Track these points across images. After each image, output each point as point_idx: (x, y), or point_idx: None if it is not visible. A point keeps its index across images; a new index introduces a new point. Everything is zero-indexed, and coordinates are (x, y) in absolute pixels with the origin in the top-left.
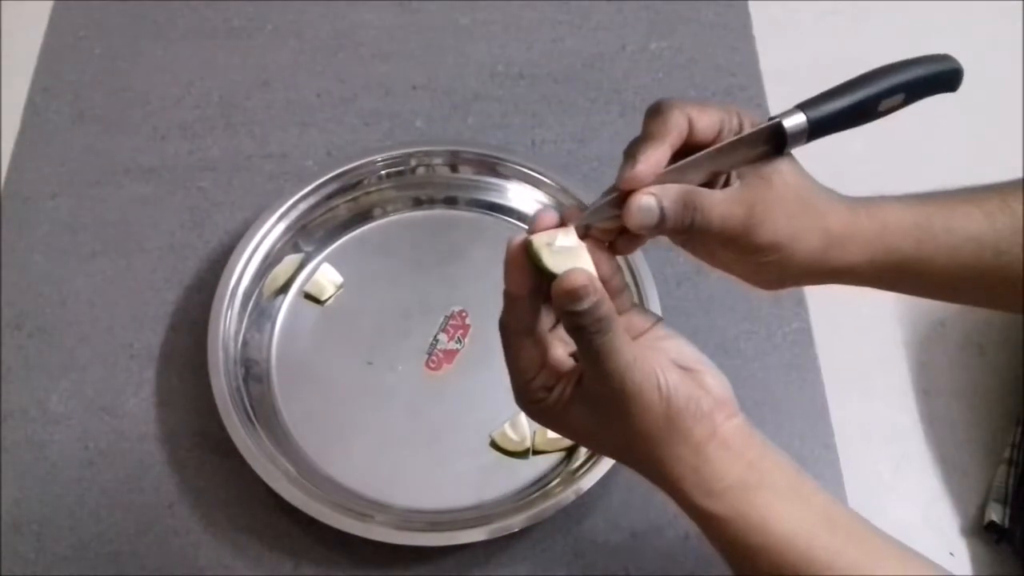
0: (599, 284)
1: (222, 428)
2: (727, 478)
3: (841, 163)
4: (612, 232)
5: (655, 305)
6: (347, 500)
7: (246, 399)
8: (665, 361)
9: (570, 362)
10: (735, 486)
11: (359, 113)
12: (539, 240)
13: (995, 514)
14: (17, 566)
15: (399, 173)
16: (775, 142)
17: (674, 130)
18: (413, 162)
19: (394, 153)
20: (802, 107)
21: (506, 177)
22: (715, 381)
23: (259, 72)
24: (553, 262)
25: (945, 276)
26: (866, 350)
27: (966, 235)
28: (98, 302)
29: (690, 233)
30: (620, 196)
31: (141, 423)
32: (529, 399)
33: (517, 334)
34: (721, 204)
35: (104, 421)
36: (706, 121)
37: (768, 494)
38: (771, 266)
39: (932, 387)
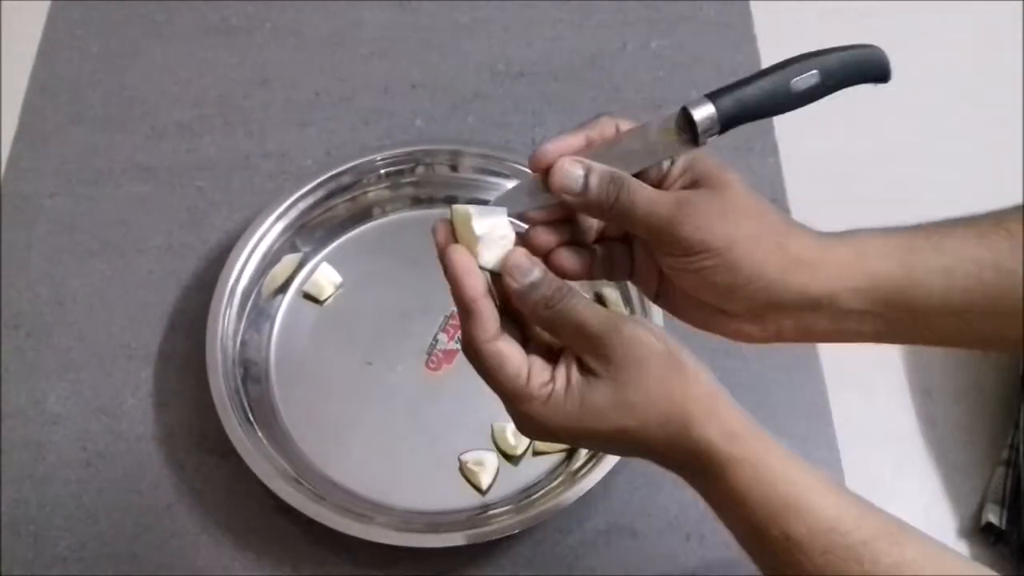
0: (538, 260)
1: (220, 429)
2: (739, 422)
3: (843, 163)
4: (551, 236)
5: (656, 311)
6: (346, 501)
7: (245, 399)
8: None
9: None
10: (749, 430)
11: (358, 112)
12: (464, 226)
13: (992, 515)
14: (15, 567)
15: (398, 172)
16: (689, 133)
17: (595, 127)
18: (412, 161)
19: (393, 152)
20: (712, 96)
21: (506, 176)
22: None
23: (258, 71)
24: (488, 256)
25: (945, 303)
26: (867, 351)
27: (959, 255)
28: (96, 302)
29: (615, 213)
30: (541, 176)
31: (139, 424)
32: (533, 402)
33: (491, 341)
34: (650, 192)
35: (102, 422)
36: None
37: (777, 446)
38: (715, 274)
39: (933, 388)
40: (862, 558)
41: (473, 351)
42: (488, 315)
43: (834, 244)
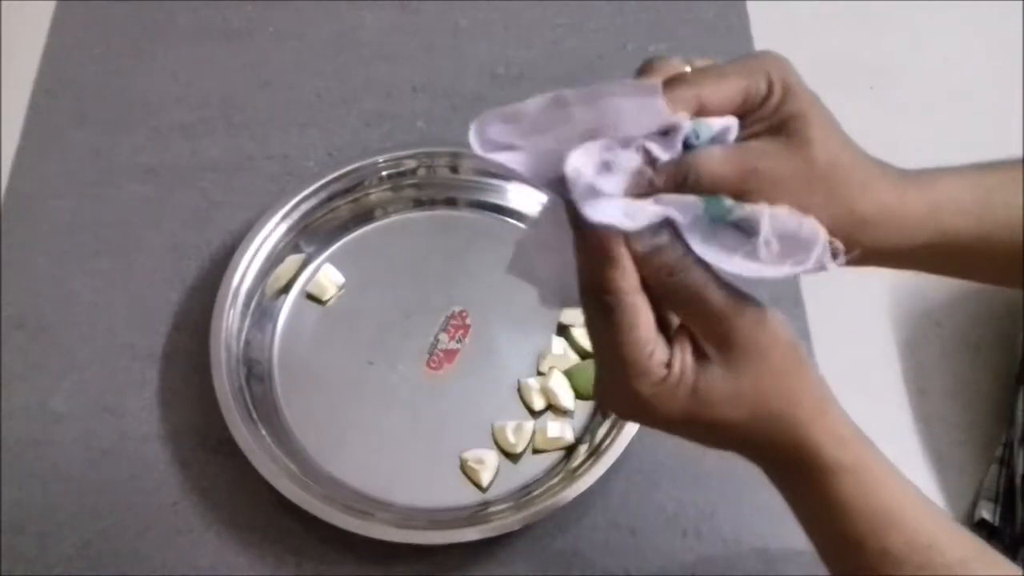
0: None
1: (224, 427)
2: (847, 427)
3: None
4: None
5: None
6: (348, 498)
7: (248, 398)
8: None
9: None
10: (856, 436)
11: (360, 114)
12: None
13: (986, 512)
14: (20, 566)
15: (400, 174)
16: None
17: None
18: (414, 163)
19: (395, 154)
20: None
21: (506, 178)
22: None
23: (260, 73)
24: None
25: (1003, 256)
26: (864, 350)
27: None
28: (100, 302)
29: (689, 186)
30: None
31: (143, 423)
32: (645, 380)
33: (634, 293)
34: (713, 160)
35: (106, 421)
36: (720, 97)
37: (877, 452)
38: None
39: (928, 386)
40: None
41: (608, 301)
42: (630, 266)
43: (910, 195)
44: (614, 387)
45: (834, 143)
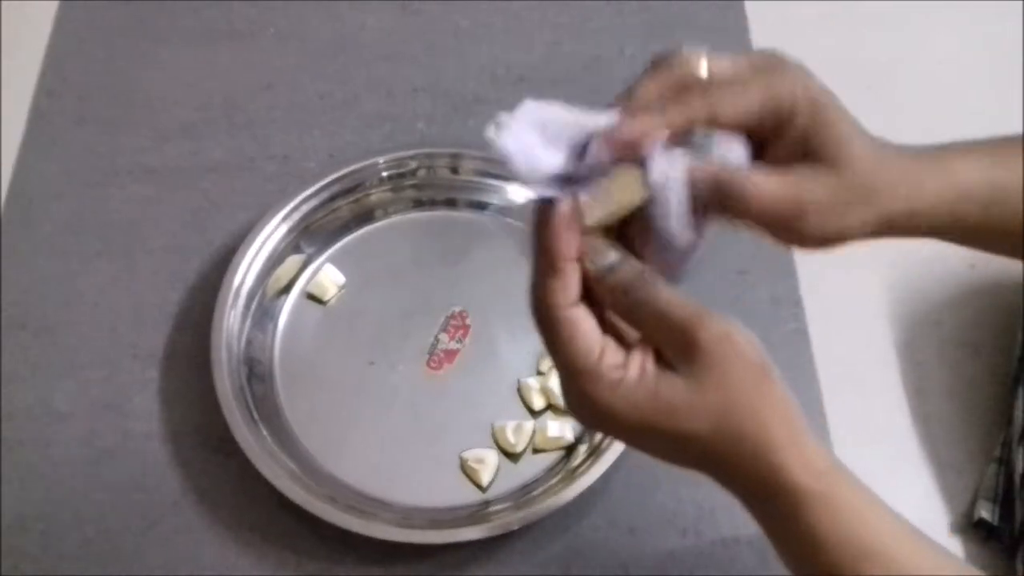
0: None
1: (225, 427)
2: (820, 455)
3: None
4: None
5: None
6: (349, 498)
7: (249, 398)
8: None
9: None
10: (830, 465)
11: (361, 115)
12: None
13: (985, 512)
14: (22, 564)
15: (400, 175)
16: None
17: (679, 106)
18: (414, 164)
19: (395, 155)
20: None
21: (506, 179)
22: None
23: (261, 74)
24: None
25: (1011, 236)
26: (862, 349)
27: None
28: (102, 302)
29: (724, 215)
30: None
31: (145, 422)
32: (600, 384)
33: (568, 307)
34: (765, 191)
35: (107, 420)
36: (736, 113)
37: (855, 482)
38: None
39: (927, 386)
40: None
41: (546, 315)
42: (572, 279)
43: (927, 188)
44: (573, 395)
45: (866, 159)
